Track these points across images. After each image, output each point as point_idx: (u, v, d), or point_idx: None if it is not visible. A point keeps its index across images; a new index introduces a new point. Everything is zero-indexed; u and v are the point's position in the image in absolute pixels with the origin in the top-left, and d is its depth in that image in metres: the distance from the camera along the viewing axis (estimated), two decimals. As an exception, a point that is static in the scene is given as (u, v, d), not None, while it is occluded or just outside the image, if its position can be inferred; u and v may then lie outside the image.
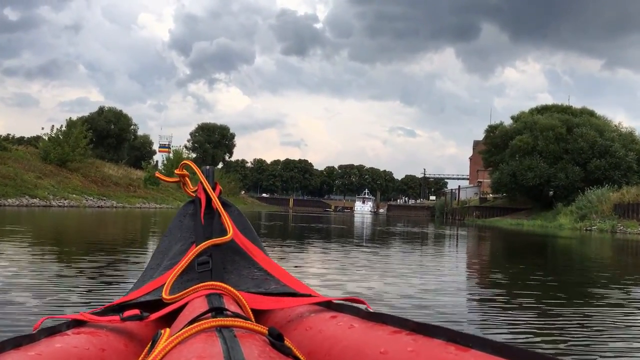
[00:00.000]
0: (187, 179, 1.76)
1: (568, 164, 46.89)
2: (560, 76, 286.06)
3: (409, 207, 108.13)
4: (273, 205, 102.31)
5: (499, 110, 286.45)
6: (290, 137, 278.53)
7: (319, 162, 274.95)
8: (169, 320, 1.14)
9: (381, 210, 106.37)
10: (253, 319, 1.07)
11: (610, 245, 17.95)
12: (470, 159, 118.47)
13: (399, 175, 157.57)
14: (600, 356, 2.78)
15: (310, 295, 1.32)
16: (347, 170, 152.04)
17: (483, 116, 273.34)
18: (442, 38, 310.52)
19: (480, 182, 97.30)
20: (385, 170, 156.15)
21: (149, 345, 0.90)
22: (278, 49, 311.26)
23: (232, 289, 1.17)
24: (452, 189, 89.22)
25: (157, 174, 2.22)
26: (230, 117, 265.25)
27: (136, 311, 1.11)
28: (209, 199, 1.62)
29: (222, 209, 1.56)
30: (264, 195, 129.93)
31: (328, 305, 1.17)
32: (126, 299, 1.35)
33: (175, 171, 1.74)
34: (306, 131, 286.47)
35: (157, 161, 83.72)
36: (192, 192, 1.74)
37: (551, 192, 49.73)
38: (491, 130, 58.37)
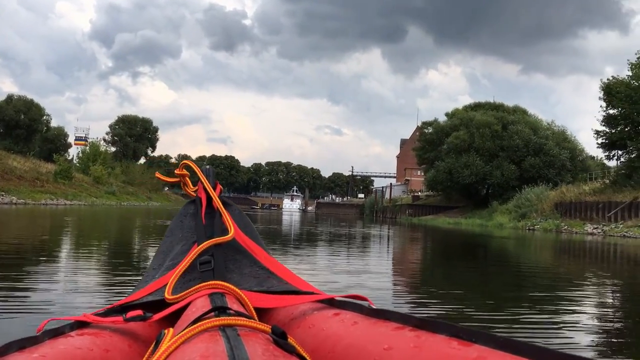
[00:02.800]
0: (187, 178, 1.74)
1: (504, 162, 46.29)
2: (479, 79, 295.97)
3: (338, 204, 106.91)
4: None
5: (423, 112, 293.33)
6: (216, 133, 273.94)
7: (246, 159, 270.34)
8: (172, 320, 1.13)
9: (310, 208, 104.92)
10: (256, 318, 1.05)
11: (571, 247, 16.29)
12: (398, 157, 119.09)
13: (326, 173, 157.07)
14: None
15: (312, 293, 1.29)
16: (275, 167, 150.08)
17: (408, 116, 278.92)
18: (369, 39, 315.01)
19: (408, 180, 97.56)
20: (312, 168, 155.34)
21: (152, 346, 0.91)
22: (206, 44, 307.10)
23: (234, 288, 1.16)
24: (382, 187, 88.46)
25: (157, 174, 2.01)
26: (155, 112, 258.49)
27: (139, 312, 1.11)
28: (209, 199, 1.59)
29: (223, 208, 1.54)
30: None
31: (331, 303, 1.16)
32: (129, 300, 1.33)
33: (176, 171, 1.72)
34: (233, 127, 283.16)
35: (72, 155, 77.67)
36: (193, 191, 1.71)
37: (485, 191, 49.18)
38: (425, 126, 57.26)
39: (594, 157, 49.40)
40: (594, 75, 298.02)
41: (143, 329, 1.14)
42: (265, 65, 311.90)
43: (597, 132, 32.93)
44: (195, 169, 1.71)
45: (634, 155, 30.02)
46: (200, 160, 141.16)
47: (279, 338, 0.83)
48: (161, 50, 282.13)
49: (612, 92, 31.08)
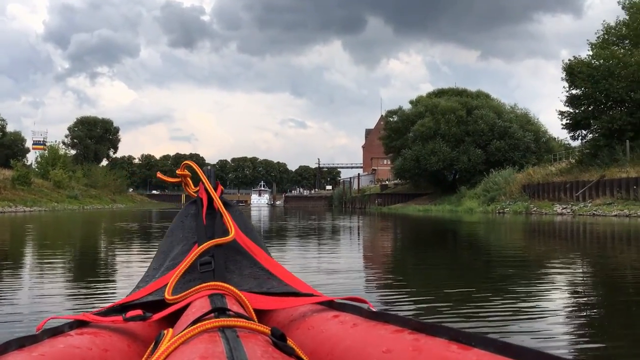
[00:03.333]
0: (188, 179, 1.74)
1: (470, 147, 46.53)
2: (440, 67, 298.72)
3: (306, 197, 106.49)
4: (165, 202, 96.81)
5: (386, 101, 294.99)
6: (179, 131, 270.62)
7: (211, 156, 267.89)
8: (171, 320, 1.13)
9: (278, 202, 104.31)
10: (255, 319, 1.06)
11: (541, 228, 16.19)
12: (364, 147, 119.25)
13: (292, 167, 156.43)
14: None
15: (312, 295, 1.29)
16: (240, 163, 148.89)
17: (371, 106, 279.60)
18: (330, 30, 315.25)
19: (375, 169, 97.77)
20: (279, 162, 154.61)
21: (152, 346, 0.92)
22: (164, 42, 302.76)
23: (234, 289, 1.16)
24: (350, 178, 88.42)
25: (159, 174, 1.95)
26: (115, 112, 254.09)
27: (139, 311, 1.11)
28: (210, 199, 1.60)
29: (223, 209, 1.55)
30: (155, 192, 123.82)
31: (330, 305, 1.16)
32: (129, 300, 1.33)
33: (177, 171, 1.73)
34: (196, 125, 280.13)
35: (30, 160, 75.24)
36: (194, 192, 1.71)
37: (452, 176, 49.39)
38: (390, 115, 57.18)
39: (555, 139, 49.99)
40: (550, 59, 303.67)
41: (142, 329, 1.14)
42: (226, 61, 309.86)
43: (562, 113, 33.18)
44: (197, 170, 1.69)
45: (598, 134, 30.28)
46: (165, 159, 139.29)
47: (278, 340, 0.83)
48: (119, 50, 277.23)
49: (574, 72, 31.32)
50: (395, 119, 55.58)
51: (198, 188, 1.70)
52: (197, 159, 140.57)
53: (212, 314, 0.93)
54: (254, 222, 21.38)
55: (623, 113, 29.33)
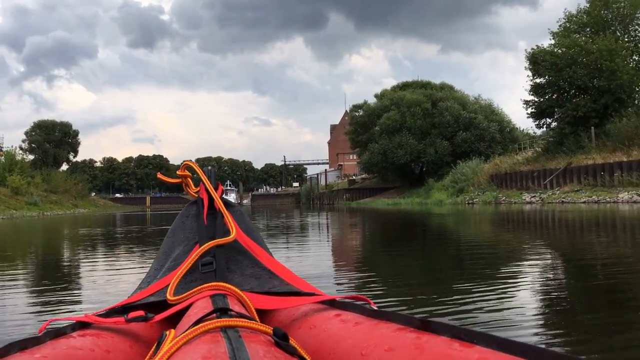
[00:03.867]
0: (189, 179, 1.75)
1: (436, 139, 46.61)
2: (401, 61, 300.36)
3: (274, 195, 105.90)
4: (129, 205, 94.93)
5: (349, 96, 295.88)
6: (142, 133, 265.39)
7: (175, 157, 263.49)
8: (173, 321, 1.13)
9: (245, 201, 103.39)
10: (257, 319, 1.06)
11: (510, 217, 16.06)
12: (329, 143, 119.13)
13: (258, 165, 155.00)
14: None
15: (314, 294, 1.30)
16: (205, 163, 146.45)
17: (335, 102, 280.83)
18: (291, 27, 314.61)
19: (342, 165, 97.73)
20: (244, 161, 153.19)
21: (154, 347, 0.91)
22: (123, 42, 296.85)
23: (236, 290, 1.15)
24: (317, 174, 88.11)
25: (159, 175, 2.00)
26: (74, 116, 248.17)
27: (141, 312, 1.12)
28: (211, 200, 1.60)
29: (224, 209, 1.54)
30: (118, 195, 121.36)
31: (332, 304, 1.16)
32: (131, 300, 1.33)
33: (178, 172, 1.73)
34: (159, 126, 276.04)
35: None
36: (195, 192, 1.72)
37: (418, 169, 49.45)
38: (355, 109, 56.95)
39: (518, 128, 50.43)
40: (509, 51, 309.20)
41: (144, 329, 1.14)
42: (187, 60, 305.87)
43: (527, 102, 33.36)
44: (197, 170, 1.71)
45: (563, 122, 30.50)
46: (127, 162, 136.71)
47: (281, 339, 0.83)
48: (76, 51, 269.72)
49: (537, 61, 31.48)
50: (360, 113, 55.36)
51: (198, 188, 1.69)
52: (160, 160, 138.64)
53: (214, 315, 0.92)
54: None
55: (587, 100, 29.57)
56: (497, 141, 45.66)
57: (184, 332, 0.82)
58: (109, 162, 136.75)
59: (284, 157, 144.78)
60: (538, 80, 32.43)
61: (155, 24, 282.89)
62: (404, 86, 55.25)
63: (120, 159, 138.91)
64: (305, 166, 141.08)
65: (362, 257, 7.05)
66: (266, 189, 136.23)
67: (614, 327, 2.62)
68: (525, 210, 20.35)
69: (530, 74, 32.67)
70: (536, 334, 2.47)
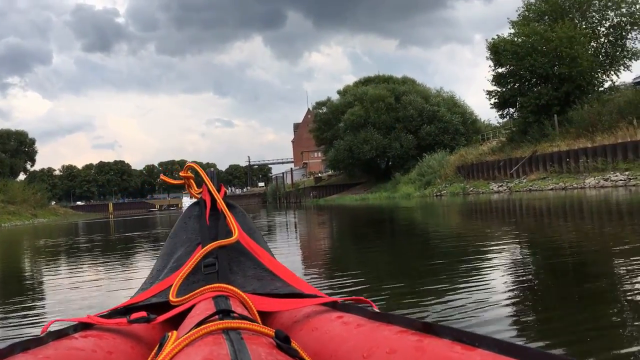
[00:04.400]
0: (191, 180, 1.76)
1: (401, 133, 46.57)
2: (361, 57, 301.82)
3: (240, 196, 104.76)
4: (91, 212, 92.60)
5: (311, 94, 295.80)
6: (102, 139, 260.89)
7: (137, 162, 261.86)
8: (176, 322, 1.13)
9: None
10: (259, 321, 1.07)
11: (478, 207, 15.90)
12: (293, 142, 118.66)
13: (222, 166, 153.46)
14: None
15: (316, 296, 1.30)
16: (169, 166, 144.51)
17: (297, 101, 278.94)
18: (250, 27, 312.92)
19: (307, 163, 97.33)
20: (208, 163, 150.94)
21: (156, 348, 0.91)
22: (78, 47, 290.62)
23: (238, 291, 1.16)
24: (283, 172, 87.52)
25: (162, 176, 2.03)
26: (31, 124, 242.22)
27: (143, 313, 1.11)
28: (213, 201, 1.60)
29: (227, 210, 1.55)
30: (79, 203, 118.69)
31: (334, 306, 1.16)
32: (133, 301, 1.32)
33: (181, 173, 1.74)
34: (119, 131, 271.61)
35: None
36: (197, 193, 1.73)
37: (384, 164, 49.36)
38: (318, 106, 56.56)
39: (479, 120, 50.76)
40: (465, 44, 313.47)
41: (146, 331, 1.14)
42: (145, 63, 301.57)
43: (489, 92, 33.41)
44: (200, 172, 1.71)
45: (526, 111, 30.61)
46: (88, 169, 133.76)
47: (282, 342, 0.84)
48: (30, 58, 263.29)
49: (498, 50, 31.55)
50: (324, 111, 55.00)
51: (201, 190, 1.70)
52: (122, 165, 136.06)
53: (217, 316, 0.93)
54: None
55: (549, 88, 29.74)
56: (461, 133, 45.85)
57: (186, 334, 0.82)
58: (69, 170, 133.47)
59: (248, 157, 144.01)
60: (500, 70, 32.51)
61: (110, 27, 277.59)
62: (366, 81, 55.08)
63: (80, 167, 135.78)
64: (270, 166, 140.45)
65: (332, 254, 6.89)
66: (231, 190, 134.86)
67: (583, 313, 2.64)
68: (494, 199, 20.30)
69: (491, 64, 32.75)
70: (508, 325, 2.46)
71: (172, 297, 1.22)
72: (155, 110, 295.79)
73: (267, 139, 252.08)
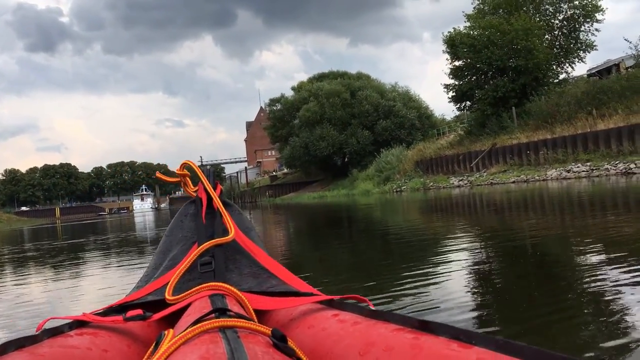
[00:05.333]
0: (187, 178, 1.72)
1: (357, 129, 46.09)
2: (312, 56, 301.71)
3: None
4: (37, 218, 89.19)
5: (263, 93, 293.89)
6: (47, 141, 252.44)
7: (85, 165, 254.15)
8: (172, 320, 1.12)
9: (163, 205, 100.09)
10: (256, 320, 1.07)
11: (439, 203, 15.41)
12: (246, 141, 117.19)
13: (174, 167, 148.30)
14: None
15: (312, 294, 1.28)
16: (118, 168, 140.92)
17: (249, 99, 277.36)
18: (200, 25, 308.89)
19: (260, 162, 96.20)
20: (159, 164, 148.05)
21: (152, 346, 0.92)
22: (20, 47, 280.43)
23: (234, 290, 1.16)
24: (237, 172, 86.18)
25: (158, 174, 1.97)
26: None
27: (139, 311, 1.11)
28: (209, 199, 1.59)
29: (223, 208, 1.54)
30: (24, 208, 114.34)
31: (330, 304, 1.15)
32: (129, 299, 1.32)
33: (176, 171, 1.71)
34: (65, 133, 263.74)
35: None
36: (193, 192, 1.70)
37: (341, 160, 48.82)
38: (273, 103, 55.55)
39: (433, 115, 50.74)
40: (415, 42, 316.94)
41: (142, 329, 1.14)
42: (91, 63, 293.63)
43: (447, 86, 33.16)
44: (196, 169, 1.67)
45: (484, 103, 30.44)
46: (32, 172, 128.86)
47: (279, 341, 0.84)
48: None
49: (455, 44, 31.30)
50: (278, 107, 54.05)
51: (197, 188, 1.67)
52: (68, 168, 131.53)
53: (213, 315, 0.92)
54: (137, 230, 18.95)
55: (506, 81, 29.65)
56: (417, 128, 45.73)
57: (182, 332, 0.81)
58: (12, 174, 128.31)
59: (201, 157, 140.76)
60: (457, 63, 32.28)
61: (54, 26, 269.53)
62: (321, 77, 54.44)
63: (24, 170, 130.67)
64: (222, 165, 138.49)
65: (290, 256, 6.45)
66: (184, 191, 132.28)
67: (542, 302, 2.68)
68: (456, 194, 19.88)
69: (448, 57, 32.50)
70: (468, 314, 2.49)
71: (168, 295, 1.21)
72: (102, 110, 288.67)
73: (219, 138, 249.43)
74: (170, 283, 1.26)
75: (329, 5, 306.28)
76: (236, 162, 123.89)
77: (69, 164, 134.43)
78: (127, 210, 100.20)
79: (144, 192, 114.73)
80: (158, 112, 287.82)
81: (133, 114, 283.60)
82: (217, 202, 1.54)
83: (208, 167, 1.77)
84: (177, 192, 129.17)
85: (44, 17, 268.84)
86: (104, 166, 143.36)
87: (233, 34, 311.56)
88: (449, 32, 32.40)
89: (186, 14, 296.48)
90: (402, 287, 3.27)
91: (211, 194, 1.56)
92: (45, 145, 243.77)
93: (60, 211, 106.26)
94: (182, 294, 1.19)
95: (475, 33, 30.70)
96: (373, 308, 1.00)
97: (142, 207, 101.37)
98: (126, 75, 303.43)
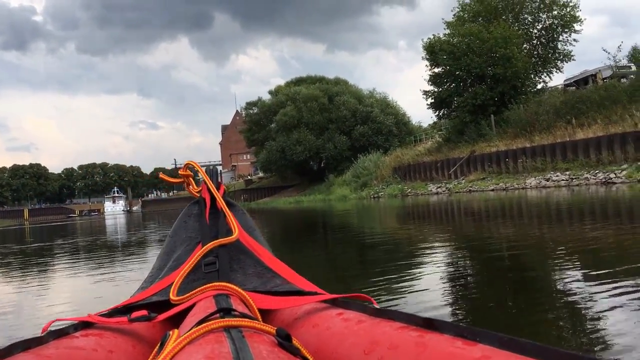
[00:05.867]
0: (191, 179, 1.75)
1: (334, 134, 45.81)
2: (289, 61, 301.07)
3: (166, 200, 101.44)
4: (4, 219, 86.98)
5: (239, 96, 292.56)
6: (16, 141, 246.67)
7: (56, 166, 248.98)
8: (176, 320, 1.13)
9: (135, 208, 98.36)
10: (260, 319, 1.07)
11: (416, 210, 15.18)
12: (221, 144, 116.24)
13: (147, 169, 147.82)
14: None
15: (316, 293, 1.29)
16: (89, 170, 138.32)
17: (225, 103, 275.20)
18: (176, 27, 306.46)
19: (235, 165, 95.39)
20: (132, 166, 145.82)
21: (157, 346, 0.92)
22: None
23: (239, 290, 1.16)
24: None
25: (161, 175, 2.01)
26: None
27: (144, 312, 1.11)
28: (213, 199, 1.58)
29: (227, 208, 1.53)
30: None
31: (334, 303, 1.16)
32: (133, 300, 1.32)
33: (179, 171, 1.73)
34: (35, 133, 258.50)
35: None
36: (197, 192, 1.70)
37: (317, 165, 48.48)
38: (249, 107, 54.99)
39: (410, 122, 50.73)
40: (390, 49, 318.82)
41: (147, 329, 1.14)
42: (64, 63, 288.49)
43: (426, 92, 33.08)
44: (199, 170, 1.70)
45: (463, 111, 30.38)
46: (1, 172, 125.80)
47: (284, 340, 0.84)
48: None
49: (434, 50, 31.23)
50: (255, 111, 53.51)
51: (200, 188, 1.67)
52: (38, 169, 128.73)
53: (218, 314, 0.93)
54: (108, 233, 18.30)
55: (484, 89, 29.64)
56: (394, 134, 45.60)
57: (187, 332, 0.81)
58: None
59: (174, 160, 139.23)
60: (436, 70, 32.22)
61: (27, 25, 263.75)
62: (298, 81, 54.08)
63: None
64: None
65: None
66: (157, 194, 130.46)
67: (514, 307, 2.74)
68: (434, 201, 19.69)
69: (427, 64, 32.42)
70: (449, 316, 2.59)
71: (172, 296, 1.21)
72: (75, 111, 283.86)
73: (193, 141, 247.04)
74: (174, 283, 1.26)
75: (305, 10, 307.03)
76: (210, 165, 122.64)
77: (39, 165, 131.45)
78: (97, 213, 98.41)
79: (116, 195, 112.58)
80: (132, 113, 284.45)
81: (106, 115, 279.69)
82: (221, 203, 1.52)
83: (211, 167, 1.69)
84: (149, 195, 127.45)
85: (16, 15, 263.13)
86: (75, 167, 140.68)
87: (209, 36, 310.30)
88: (428, 38, 32.41)
89: (162, 15, 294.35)
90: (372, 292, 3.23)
91: (215, 195, 1.55)
92: (14, 145, 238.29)
93: (29, 212, 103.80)
94: (187, 294, 1.18)
95: (455, 40, 30.67)
96: (377, 307, 1.00)
97: (114, 210, 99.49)
98: (100, 75, 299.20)
